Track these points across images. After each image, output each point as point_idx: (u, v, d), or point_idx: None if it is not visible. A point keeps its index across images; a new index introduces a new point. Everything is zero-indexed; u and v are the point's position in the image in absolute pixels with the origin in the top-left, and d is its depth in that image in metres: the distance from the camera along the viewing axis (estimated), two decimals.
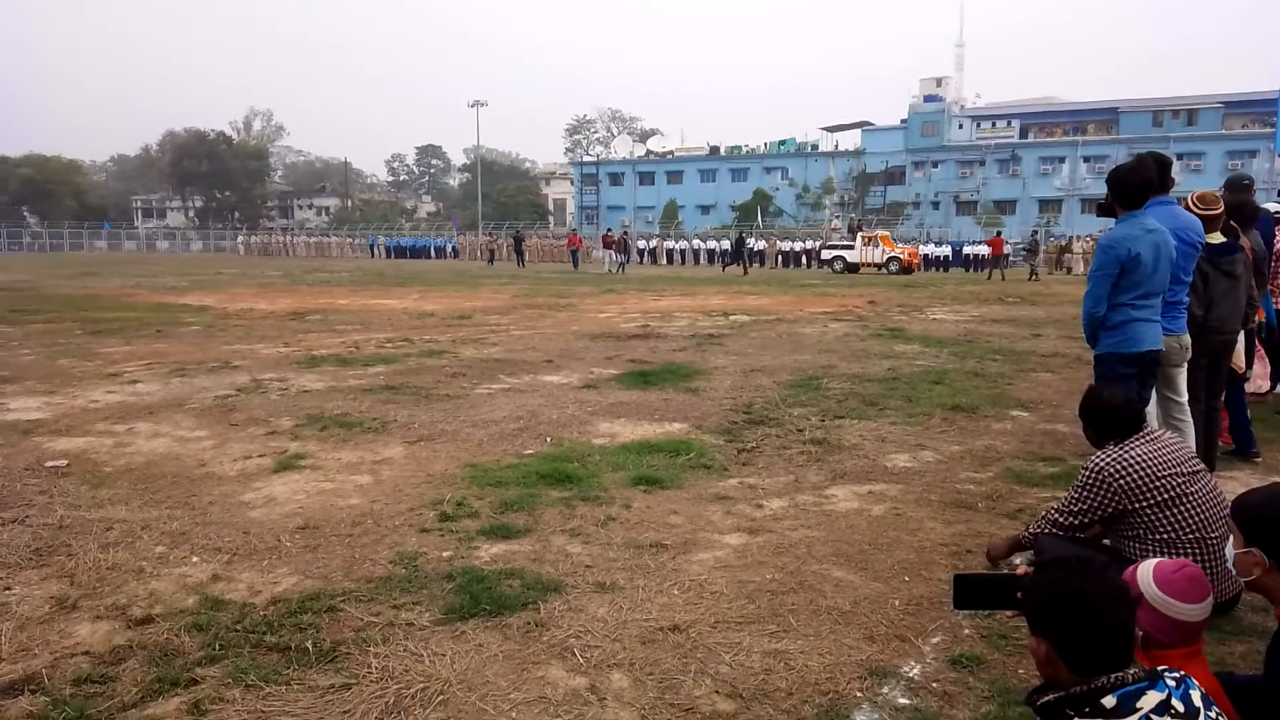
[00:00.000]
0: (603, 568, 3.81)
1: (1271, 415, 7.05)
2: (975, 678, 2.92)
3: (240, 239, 70.56)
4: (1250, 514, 2.15)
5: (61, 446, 5.85)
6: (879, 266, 37.19)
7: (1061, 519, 3.34)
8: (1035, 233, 40.97)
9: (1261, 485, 2.29)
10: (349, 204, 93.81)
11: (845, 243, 40.55)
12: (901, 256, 37.73)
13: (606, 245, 38.59)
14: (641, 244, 54.53)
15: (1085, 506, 3.28)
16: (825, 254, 40.69)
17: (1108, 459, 3.25)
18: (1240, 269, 5.19)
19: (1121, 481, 3.19)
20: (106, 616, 3.31)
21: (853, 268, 37.49)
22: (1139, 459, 3.22)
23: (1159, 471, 3.20)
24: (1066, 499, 3.37)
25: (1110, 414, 3.39)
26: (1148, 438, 3.32)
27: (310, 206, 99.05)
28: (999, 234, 39.09)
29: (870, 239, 38.57)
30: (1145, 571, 2.28)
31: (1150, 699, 1.72)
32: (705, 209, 70.61)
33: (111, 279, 27.66)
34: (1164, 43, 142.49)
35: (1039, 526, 3.43)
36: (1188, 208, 5.00)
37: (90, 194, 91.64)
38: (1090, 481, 3.26)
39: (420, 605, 3.41)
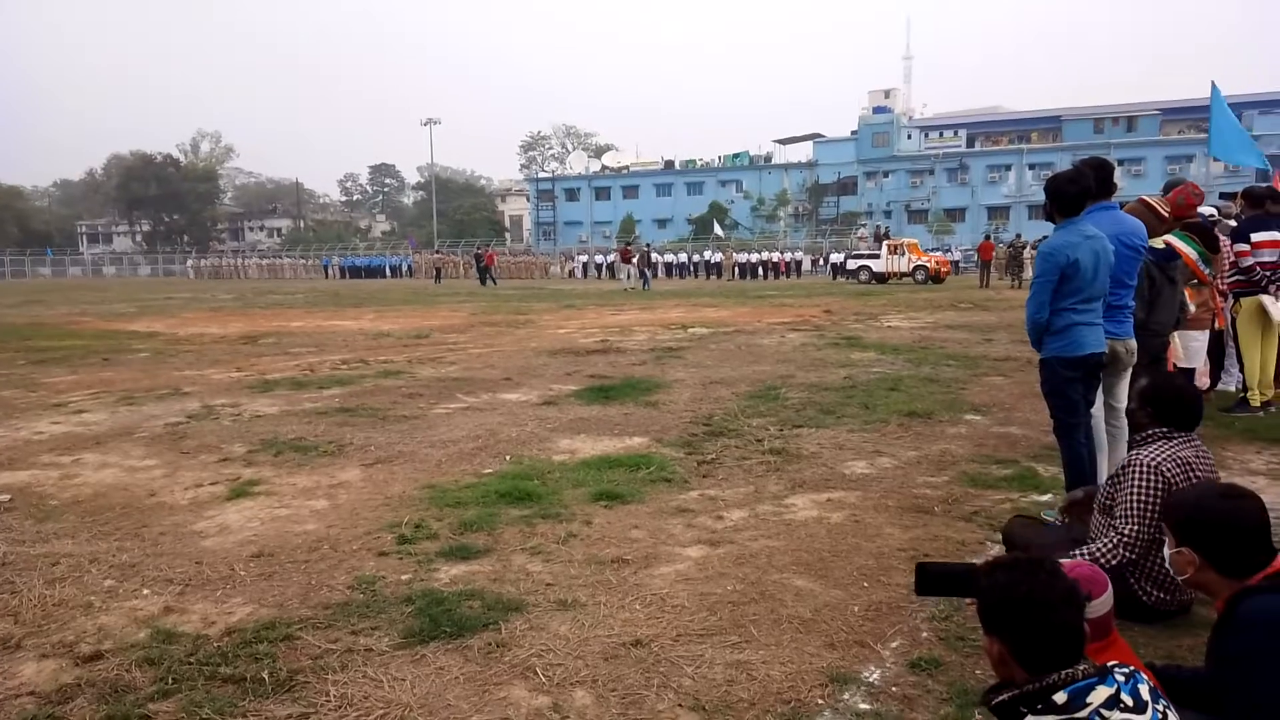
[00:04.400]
0: (564, 585, 3.79)
1: (1214, 412, 7.26)
2: (934, 680, 2.96)
3: (190, 262, 69.29)
4: (1178, 514, 2.24)
5: (4, 480, 5.68)
6: (906, 275, 34.80)
7: (1131, 538, 3.18)
8: (1018, 236, 39.46)
9: (1188, 486, 2.38)
10: (302, 225, 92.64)
11: (871, 252, 38.21)
12: (929, 265, 35.05)
13: (626, 259, 37.40)
14: (600, 259, 54.66)
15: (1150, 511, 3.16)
16: (850, 264, 38.42)
17: (1156, 456, 3.21)
18: (1178, 274, 5.35)
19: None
20: (53, 654, 3.21)
21: (880, 278, 35.24)
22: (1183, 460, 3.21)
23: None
24: (1128, 513, 3.20)
25: (1177, 403, 3.34)
26: (1192, 443, 3.31)
27: (262, 228, 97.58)
28: (988, 237, 36.88)
29: (896, 247, 36.17)
30: None
31: (1100, 694, 1.77)
32: (662, 223, 70.99)
33: (57, 306, 26.98)
34: (1103, 53, 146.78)
35: (1112, 555, 3.20)
36: (1149, 208, 5.16)
37: (33, 220, 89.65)
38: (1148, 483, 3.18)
39: (379, 630, 3.37)
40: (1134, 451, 3.33)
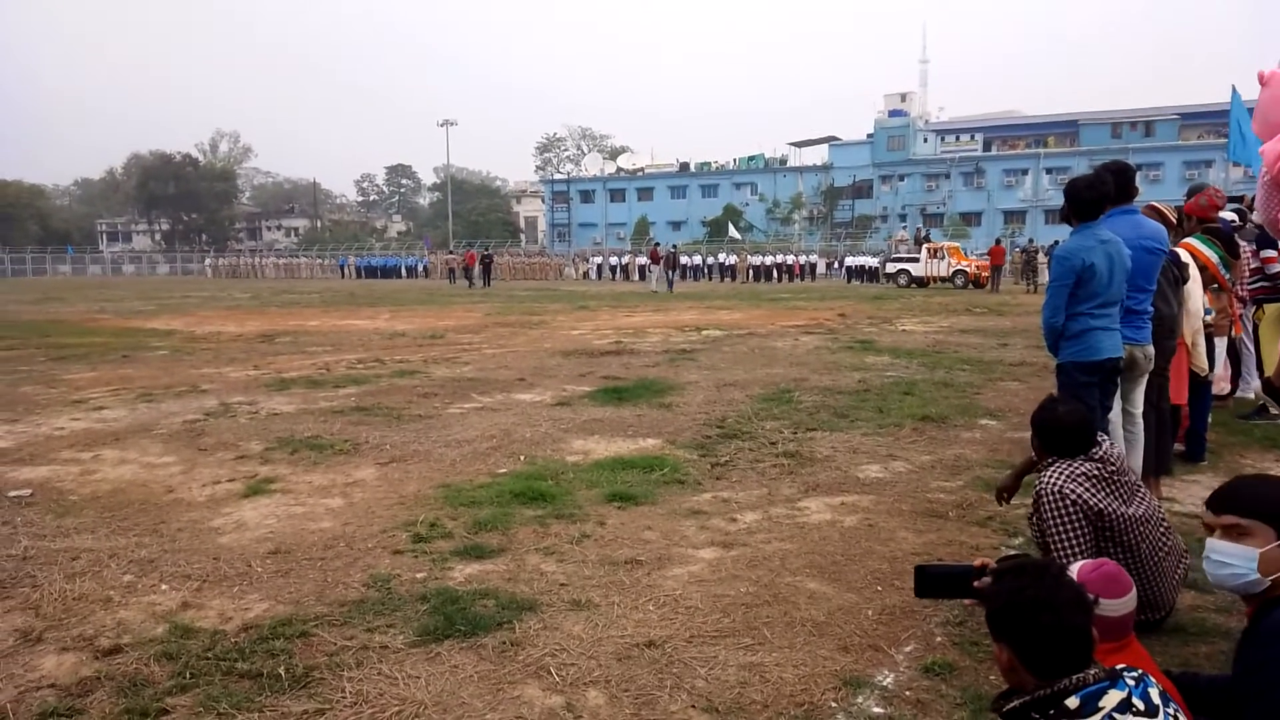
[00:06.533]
0: (578, 585, 3.81)
1: (1232, 419, 7.21)
2: (948, 685, 2.95)
3: (208, 261, 69.82)
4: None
5: (25, 475, 5.75)
6: (946, 280, 34.21)
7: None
8: (1031, 241, 38.54)
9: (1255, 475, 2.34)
10: (318, 224, 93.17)
11: (910, 255, 37.64)
12: (968, 269, 34.27)
13: (654, 260, 37.21)
14: (614, 260, 54.70)
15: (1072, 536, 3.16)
16: (890, 267, 37.91)
17: (1056, 480, 3.20)
18: (1187, 276, 5.34)
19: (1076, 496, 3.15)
20: (73, 648, 3.25)
21: (920, 282, 34.76)
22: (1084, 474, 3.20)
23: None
24: (1061, 549, 3.16)
25: (1058, 433, 3.33)
26: (1092, 458, 3.29)
27: (279, 228, 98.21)
28: (999, 241, 36.33)
29: (936, 250, 35.58)
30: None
31: (1112, 698, 1.76)
32: (676, 225, 70.91)
33: (76, 304, 27.24)
34: (1121, 57, 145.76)
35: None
36: (1157, 214, 5.16)
37: (53, 218, 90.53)
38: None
39: (394, 628, 3.39)
40: (1038, 480, 3.29)
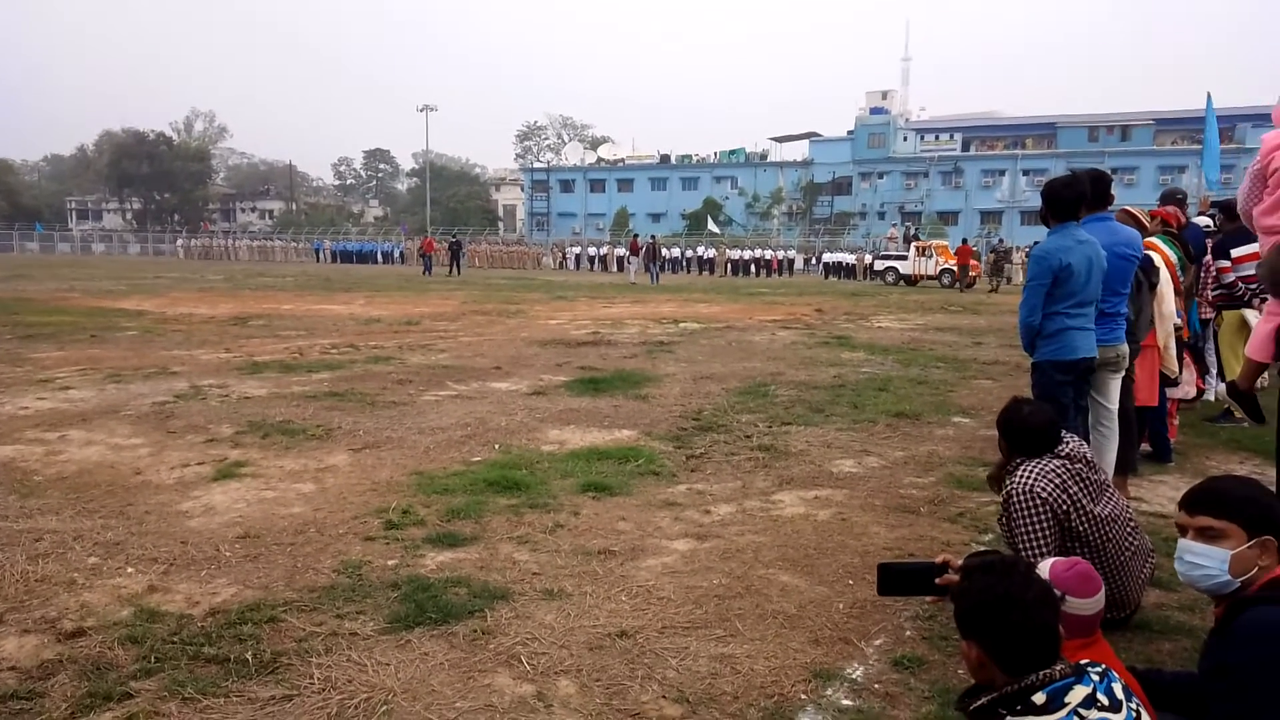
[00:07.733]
0: (550, 575, 3.80)
1: (1199, 421, 7.32)
2: (916, 678, 2.98)
3: (180, 242, 68.74)
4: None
5: None
6: (933, 278, 34.05)
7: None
8: (1000, 241, 39.50)
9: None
10: (294, 207, 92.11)
11: (899, 253, 37.37)
12: (956, 268, 33.83)
13: (634, 251, 36.81)
14: (593, 251, 54.57)
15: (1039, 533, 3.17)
16: (878, 265, 37.53)
17: (1027, 480, 3.21)
18: (1156, 280, 5.42)
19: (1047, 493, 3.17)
20: (35, 630, 3.20)
21: (909, 280, 34.57)
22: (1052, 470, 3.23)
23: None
24: (1029, 548, 3.16)
25: (1024, 433, 3.35)
26: (1058, 455, 3.32)
27: (253, 210, 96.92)
28: (965, 241, 36.28)
29: (924, 249, 35.31)
30: (1041, 571, 2.37)
31: (1077, 693, 1.79)
32: (656, 217, 70.90)
33: (44, 282, 26.76)
34: (1099, 61, 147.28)
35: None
36: (1132, 218, 5.25)
37: (23, 194, 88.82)
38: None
39: (364, 614, 3.37)
40: (1007, 481, 3.30)
